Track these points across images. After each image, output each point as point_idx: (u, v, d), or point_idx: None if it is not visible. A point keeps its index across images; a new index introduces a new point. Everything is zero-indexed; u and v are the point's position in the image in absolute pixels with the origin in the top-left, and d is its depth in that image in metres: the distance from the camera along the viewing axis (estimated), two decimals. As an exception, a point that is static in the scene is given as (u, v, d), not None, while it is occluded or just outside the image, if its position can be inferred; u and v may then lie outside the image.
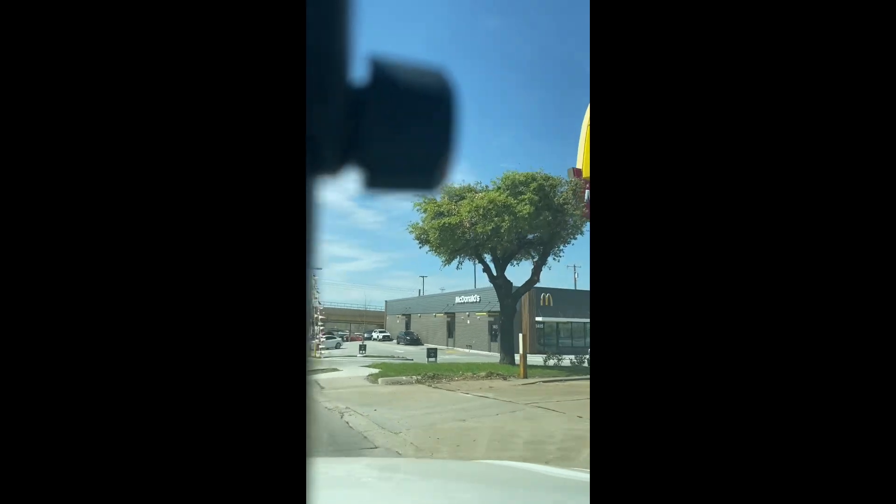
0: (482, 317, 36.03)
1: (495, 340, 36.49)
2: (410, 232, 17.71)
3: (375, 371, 13.99)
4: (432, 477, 1.44)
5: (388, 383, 12.00)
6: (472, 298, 38.16)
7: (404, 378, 12.39)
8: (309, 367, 0.28)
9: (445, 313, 40.73)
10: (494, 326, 36.59)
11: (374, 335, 48.35)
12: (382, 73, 0.32)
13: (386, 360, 19.90)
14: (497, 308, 38.33)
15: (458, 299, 39.72)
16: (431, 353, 19.00)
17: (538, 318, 35.21)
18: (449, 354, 33.63)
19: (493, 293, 39.07)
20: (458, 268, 18.57)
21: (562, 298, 38.67)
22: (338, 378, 13.01)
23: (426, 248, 17.68)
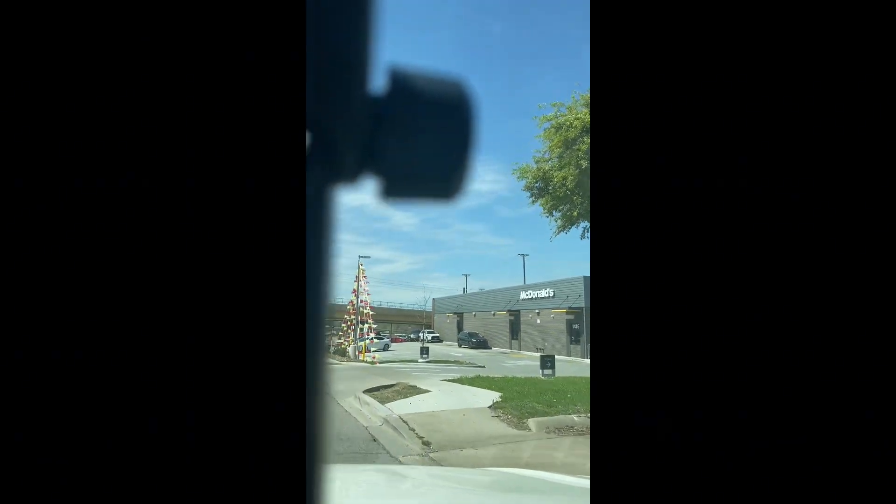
0: (557, 314, 29.85)
1: (577, 343, 30.30)
2: (519, 177, 11.65)
3: (495, 396, 8.00)
4: (441, 484, 1.42)
5: (550, 430, 5.98)
6: (543, 293, 31.97)
7: (576, 419, 6.35)
8: (319, 368, 0.27)
9: (508, 311, 34.57)
10: (575, 325, 30.33)
11: (423, 336, 42.60)
12: (401, 83, 0.32)
13: (470, 369, 13.83)
14: (579, 304, 32.11)
15: (524, 295, 33.56)
16: (547, 362, 12.60)
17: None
18: (518, 359, 27.65)
19: (570, 286, 32.77)
20: (582, 237, 12.40)
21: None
22: (437, 412, 7.00)
23: (538, 203, 11.56)
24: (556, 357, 28.33)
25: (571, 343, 29.30)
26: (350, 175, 0.32)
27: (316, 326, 0.28)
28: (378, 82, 0.31)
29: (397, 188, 0.33)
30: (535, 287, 33.05)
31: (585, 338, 28.36)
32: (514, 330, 34.47)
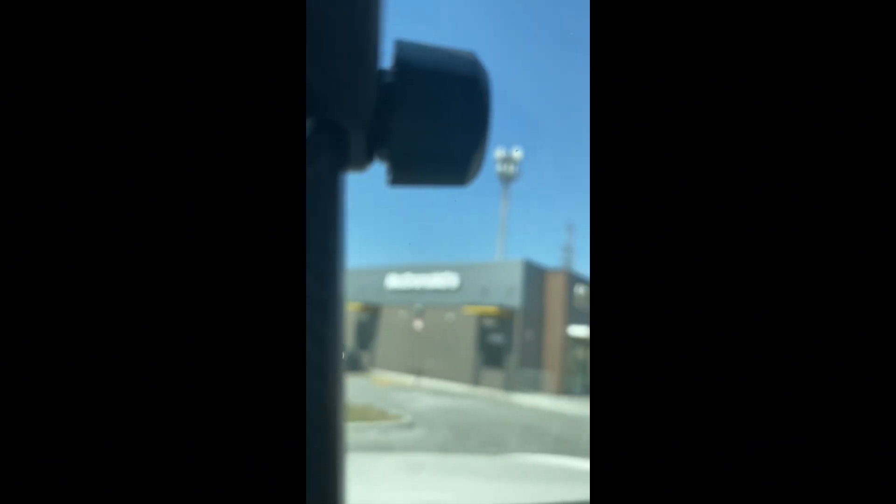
0: (463, 318, 18.46)
1: (496, 366, 19.05)
2: None
3: None
4: (460, 473, 1.39)
5: None
6: (437, 280, 20.10)
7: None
8: (336, 360, 0.27)
9: (364, 305, 21.64)
10: (496, 337, 19.17)
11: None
12: (410, 59, 0.31)
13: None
14: (511, 302, 17.14)
15: (393, 281, 21.17)
16: None
17: (574, 329, 18.91)
18: (386, 387, 15.38)
19: (494, 274, 15.09)
20: None
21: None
22: None
23: None
24: (458, 387, 16.45)
25: (484, 365, 17.95)
26: (359, 159, 0.32)
27: (333, 318, 0.28)
28: (385, 59, 0.30)
29: (409, 172, 0.32)
30: (421, 269, 20.81)
31: (516, 358, 17.34)
32: (366, 336, 21.68)
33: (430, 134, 0.30)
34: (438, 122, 0.30)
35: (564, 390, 17.93)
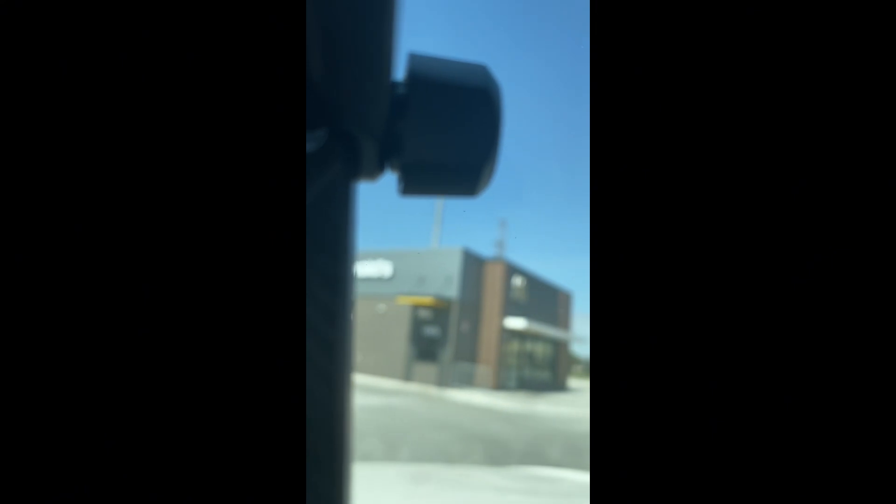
0: (396, 308, 17.27)
1: (431, 359, 16.91)
2: None
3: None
4: (467, 485, 1.33)
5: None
6: (368, 268, 18.76)
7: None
8: (346, 366, 0.28)
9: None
10: (431, 330, 18.01)
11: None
12: (423, 71, 0.31)
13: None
14: (448, 293, 15.64)
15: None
16: None
17: (510, 322, 18.21)
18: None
19: (430, 262, 14.16)
20: None
21: (540, 290, 22.11)
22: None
23: None
24: (388, 383, 15.44)
25: (417, 359, 16.91)
26: (371, 169, 0.32)
27: (343, 324, 0.28)
28: (398, 72, 0.30)
29: (420, 182, 0.32)
30: (352, 257, 19.30)
31: (451, 352, 16.41)
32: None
33: (441, 145, 0.31)
34: (450, 133, 0.31)
35: (500, 385, 17.29)
